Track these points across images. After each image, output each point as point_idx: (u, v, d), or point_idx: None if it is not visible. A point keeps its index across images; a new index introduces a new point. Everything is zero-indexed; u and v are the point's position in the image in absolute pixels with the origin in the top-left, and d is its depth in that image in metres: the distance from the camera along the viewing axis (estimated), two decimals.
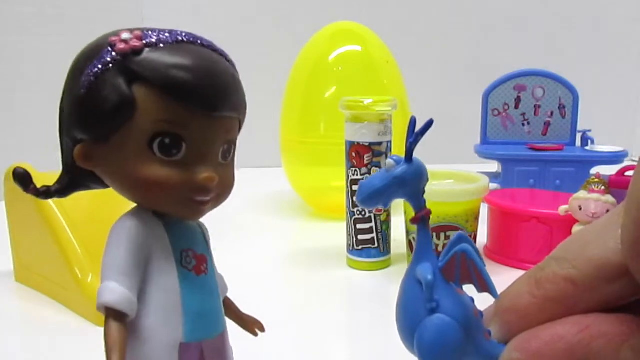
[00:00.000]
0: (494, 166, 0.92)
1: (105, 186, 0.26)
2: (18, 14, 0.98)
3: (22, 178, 0.27)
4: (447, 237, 0.58)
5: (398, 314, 0.25)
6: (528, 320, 0.23)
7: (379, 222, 0.63)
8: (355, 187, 0.63)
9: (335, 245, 0.68)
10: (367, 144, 0.61)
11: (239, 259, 0.66)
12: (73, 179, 0.27)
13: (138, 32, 0.24)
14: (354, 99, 0.62)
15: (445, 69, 1.29)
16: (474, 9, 1.29)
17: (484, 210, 0.64)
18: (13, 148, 0.90)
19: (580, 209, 0.57)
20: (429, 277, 0.24)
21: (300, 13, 1.23)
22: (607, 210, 0.56)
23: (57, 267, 0.52)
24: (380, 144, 0.61)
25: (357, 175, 0.62)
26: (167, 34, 0.24)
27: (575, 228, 0.58)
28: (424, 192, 0.25)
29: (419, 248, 0.25)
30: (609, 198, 0.57)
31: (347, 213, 0.64)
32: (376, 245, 0.63)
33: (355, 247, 0.63)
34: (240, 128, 0.27)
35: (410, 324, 0.25)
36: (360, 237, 0.63)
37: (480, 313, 0.25)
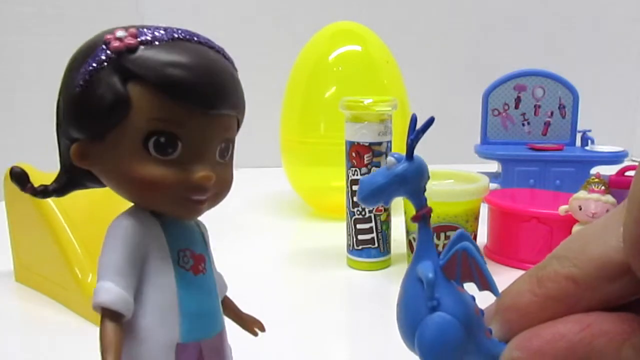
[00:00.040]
0: (494, 166, 0.92)
1: (103, 185, 0.26)
2: (18, 14, 0.98)
3: (19, 177, 0.27)
4: (447, 237, 0.58)
5: (399, 312, 0.25)
6: (529, 319, 0.23)
7: (379, 222, 0.63)
8: (355, 187, 0.63)
9: (335, 245, 0.68)
10: (367, 144, 0.61)
11: (239, 259, 0.66)
12: (70, 178, 0.27)
13: (133, 30, 0.24)
14: (354, 99, 0.62)
15: (445, 69, 1.30)
16: (474, 9, 1.29)
17: (484, 210, 0.64)
18: (13, 148, 0.90)
19: (580, 209, 0.57)
20: (430, 275, 0.24)
21: (300, 13, 1.23)
22: (607, 210, 0.56)
23: (57, 267, 0.51)
24: (380, 144, 0.61)
25: (357, 175, 0.62)
26: (162, 32, 0.24)
27: (575, 228, 0.58)
28: (424, 190, 0.25)
29: (420, 246, 0.25)
30: (609, 198, 0.57)
31: (347, 213, 0.64)
32: (376, 245, 0.63)
33: (355, 247, 0.63)
34: (239, 126, 0.27)
35: (411, 322, 0.24)
36: (360, 237, 0.63)
37: (481, 311, 0.25)
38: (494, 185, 0.75)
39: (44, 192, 0.27)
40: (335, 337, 0.51)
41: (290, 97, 0.85)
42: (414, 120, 0.24)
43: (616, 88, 1.33)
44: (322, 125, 0.80)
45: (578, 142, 0.91)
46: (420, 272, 0.24)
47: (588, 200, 0.57)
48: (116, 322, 0.23)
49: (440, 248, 0.24)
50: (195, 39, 0.25)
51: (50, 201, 0.52)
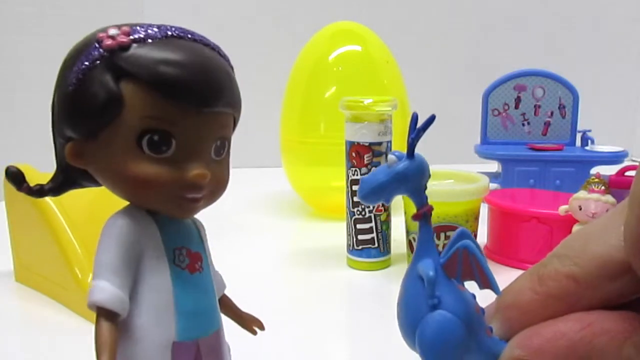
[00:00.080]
0: (494, 166, 0.92)
1: (98, 184, 0.26)
2: (18, 14, 0.98)
3: (15, 177, 0.27)
4: (447, 237, 0.58)
5: (399, 311, 0.25)
6: (530, 317, 0.23)
7: (379, 222, 0.63)
8: (355, 187, 0.62)
9: (335, 245, 0.68)
10: (367, 144, 0.61)
11: (239, 258, 0.66)
12: (66, 177, 0.27)
13: (126, 28, 0.24)
14: (354, 99, 0.62)
15: (445, 69, 1.30)
16: (474, 9, 1.29)
17: (484, 210, 0.64)
18: (13, 148, 0.90)
19: (580, 209, 0.57)
20: (431, 273, 0.24)
21: (300, 13, 1.23)
22: (607, 210, 0.56)
23: (57, 267, 0.51)
24: (380, 144, 0.61)
25: (357, 175, 0.62)
26: (155, 29, 0.24)
27: (575, 228, 0.58)
28: (425, 188, 0.25)
29: (421, 244, 0.25)
30: (609, 198, 0.57)
31: (347, 213, 0.64)
32: (376, 245, 0.63)
33: (355, 247, 0.63)
34: (235, 124, 0.27)
35: (411, 320, 0.24)
36: (360, 237, 0.63)
37: (482, 310, 0.25)
38: (494, 185, 0.75)
39: (39, 191, 0.27)
40: (335, 337, 0.51)
41: (290, 97, 0.85)
42: (414, 118, 0.24)
43: (616, 88, 1.33)
44: (322, 125, 0.80)
45: (578, 142, 0.91)
46: (421, 270, 0.24)
47: (588, 200, 0.57)
48: (111, 322, 0.23)
49: (440, 248, 0.24)
50: (190, 36, 0.25)
51: (50, 201, 0.51)
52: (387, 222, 0.63)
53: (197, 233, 0.27)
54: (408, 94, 0.85)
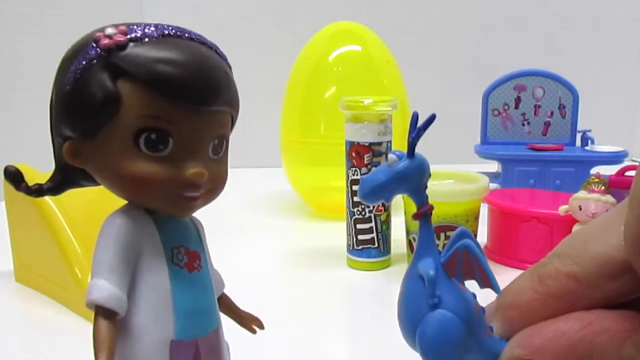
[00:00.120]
0: (494, 166, 0.92)
1: (97, 183, 0.26)
2: (18, 14, 0.98)
3: (13, 176, 0.27)
4: (447, 237, 0.58)
5: (400, 310, 0.25)
6: (530, 316, 0.23)
7: (379, 222, 0.63)
8: (355, 187, 0.62)
9: (335, 245, 0.68)
10: (367, 144, 0.61)
11: (239, 258, 0.66)
12: (65, 177, 0.27)
13: (123, 27, 0.24)
14: (354, 99, 0.62)
15: (445, 69, 1.30)
16: (474, 9, 1.29)
17: (484, 210, 0.64)
18: (13, 148, 0.90)
19: (580, 209, 0.57)
20: (431, 272, 0.24)
21: (300, 13, 1.23)
22: (607, 210, 0.56)
23: (57, 267, 0.51)
24: (380, 144, 0.61)
25: (357, 175, 0.62)
26: (152, 28, 0.24)
27: (575, 228, 0.58)
28: (426, 187, 0.25)
29: (421, 244, 0.25)
30: (609, 198, 0.57)
31: (347, 213, 0.64)
32: (376, 245, 0.63)
33: (355, 247, 0.63)
34: (233, 123, 0.27)
35: (412, 319, 0.24)
36: (360, 237, 0.63)
37: (482, 309, 0.25)
38: (494, 185, 0.75)
39: (38, 191, 0.27)
40: (335, 337, 0.51)
41: (290, 97, 0.85)
42: (415, 117, 0.24)
43: (616, 88, 1.33)
44: (322, 125, 0.80)
45: (578, 142, 0.91)
46: (421, 269, 0.24)
47: (588, 200, 0.57)
48: (109, 320, 0.23)
49: (440, 248, 0.24)
50: (187, 35, 0.25)
51: (50, 201, 0.52)
52: (387, 222, 0.63)
53: (196, 232, 0.27)
54: (408, 94, 0.85)
